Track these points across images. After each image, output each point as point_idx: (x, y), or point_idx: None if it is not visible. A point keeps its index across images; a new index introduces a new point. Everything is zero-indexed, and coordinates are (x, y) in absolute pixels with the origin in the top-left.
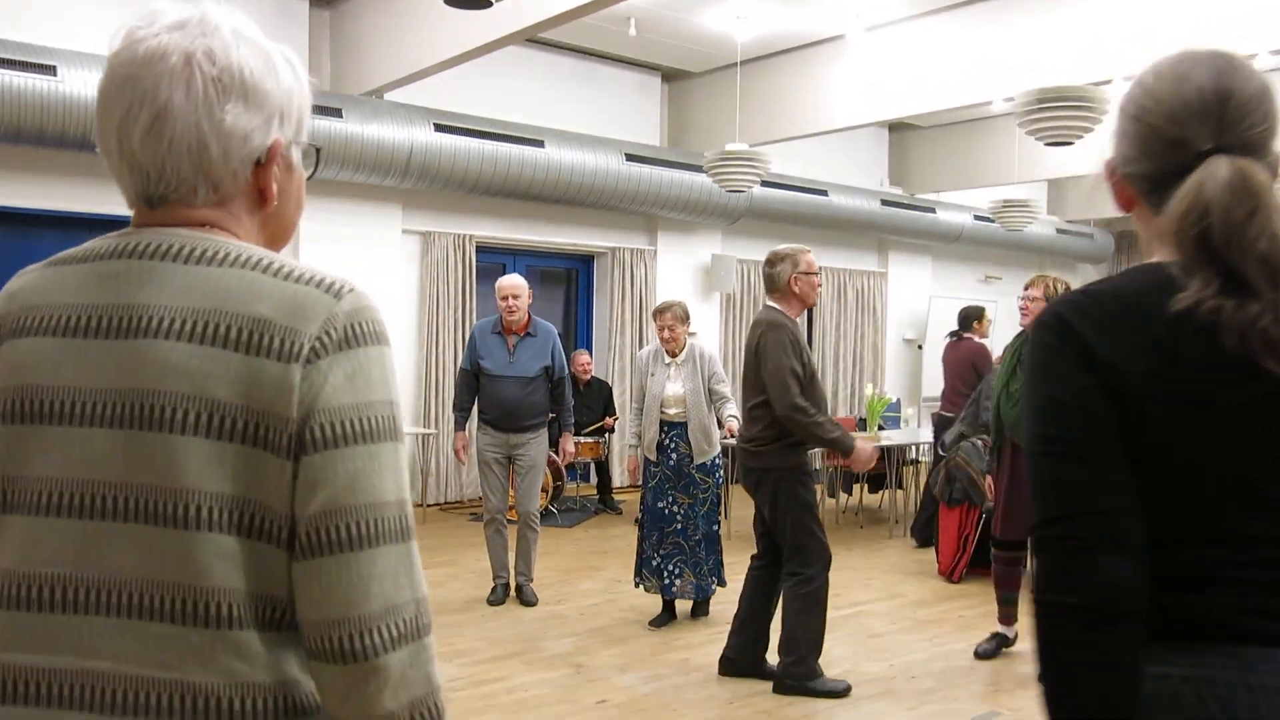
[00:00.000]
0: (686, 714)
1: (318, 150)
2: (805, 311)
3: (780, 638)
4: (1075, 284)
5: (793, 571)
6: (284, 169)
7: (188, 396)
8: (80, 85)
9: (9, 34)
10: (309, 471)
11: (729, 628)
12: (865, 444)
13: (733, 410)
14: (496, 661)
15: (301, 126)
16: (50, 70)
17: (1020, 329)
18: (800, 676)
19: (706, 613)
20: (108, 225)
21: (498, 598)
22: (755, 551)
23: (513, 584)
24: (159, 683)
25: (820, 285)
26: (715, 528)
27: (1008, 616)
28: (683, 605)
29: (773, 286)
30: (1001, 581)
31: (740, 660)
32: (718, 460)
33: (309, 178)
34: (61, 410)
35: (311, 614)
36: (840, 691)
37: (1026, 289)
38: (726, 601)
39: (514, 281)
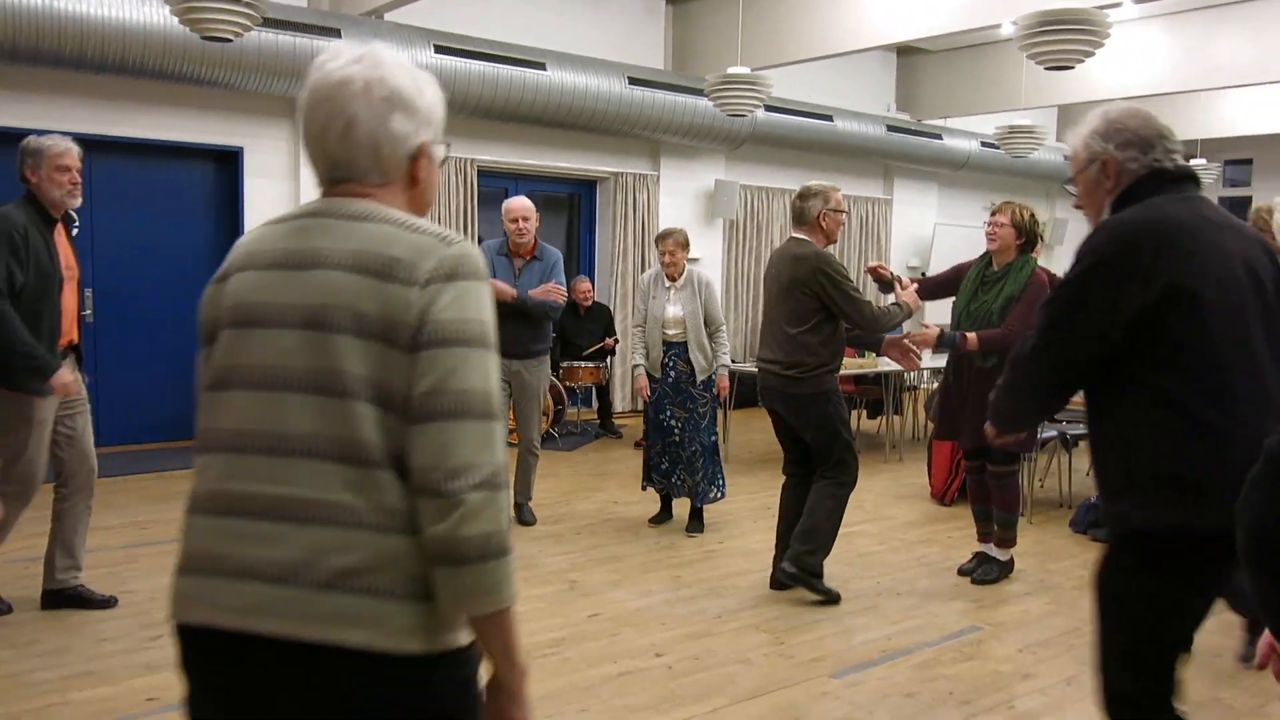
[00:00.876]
0: (676, 627)
1: (448, 146)
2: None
3: (800, 528)
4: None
5: (832, 476)
6: (428, 161)
7: (344, 308)
8: (75, 3)
9: None
10: (421, 363)
11: (723, 545)
12: (907, 295)
13: (725, 345)
14: None
15: (439, 130)
16: None
17: (985, 251)
18: (808, 568)
19: (701, 528)
20: (104, 145)
21: None
22: (783, 469)
23: (510, 506)
24: (325, 503)
25: (843, 223)
26: (713, 439)
27: (983, 533)
28: (680, 514)
29: (802, 219)
30: (971, 494)
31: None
32: (713, 379)
33: (440, 165)
34: (264, 318)
35: (414, 462)
36: (834, 598)
37: (994, 215)
38: (720, 520)
39: (522, 203)
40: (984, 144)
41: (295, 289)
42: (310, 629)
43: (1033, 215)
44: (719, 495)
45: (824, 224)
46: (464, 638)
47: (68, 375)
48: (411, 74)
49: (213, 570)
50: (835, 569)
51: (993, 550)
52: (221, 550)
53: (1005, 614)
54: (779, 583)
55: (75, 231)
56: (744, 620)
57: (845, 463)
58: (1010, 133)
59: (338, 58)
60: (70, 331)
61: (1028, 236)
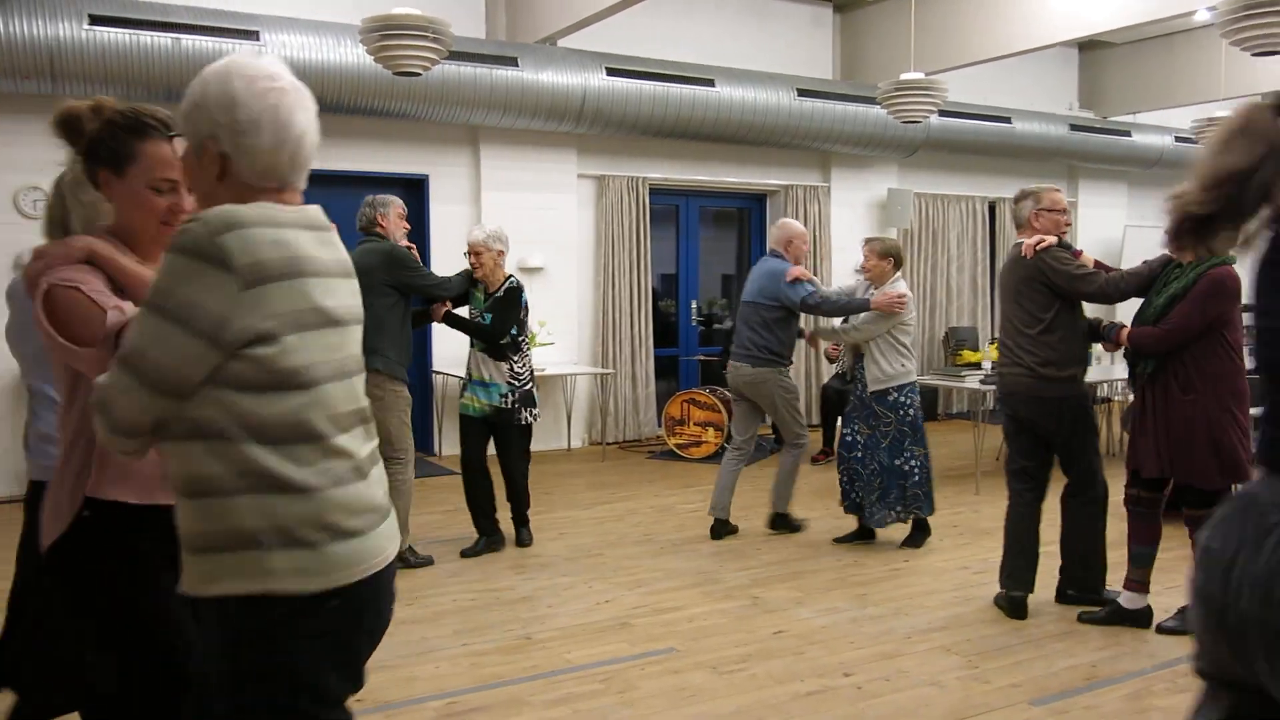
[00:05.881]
0: (864, 646)
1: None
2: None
3: (1072, 554)
4: None
5: (1080, 492)
6: None
7: None
8: (280, 48)
9: (216, 3)
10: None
11: (909, 563)
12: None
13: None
14: (675, 592)
15: None
16: (254, 35)
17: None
18: (1089, 587)
19: (920, 543)
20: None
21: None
22: (1012, 484)
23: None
24: None
25: (1067, 223)
26: (899, 463)
27: (1135, 580)
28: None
29: (1018, 222)
30: (1131, 532)
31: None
32: (902, 399)
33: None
34: None
35: None
36: (1114, 603)
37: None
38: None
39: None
40: (1178, 139)
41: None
42: None
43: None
44: (894, 520)
45: (1036, 224)
46: None
47: None
48: None
49: None
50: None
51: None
52: None
53: None
54: (1011, 602)
55: None
56: (935, 641)
57: (1095, 473)
58: (1209, 125)
59: (274, 64)
60: None
61: None
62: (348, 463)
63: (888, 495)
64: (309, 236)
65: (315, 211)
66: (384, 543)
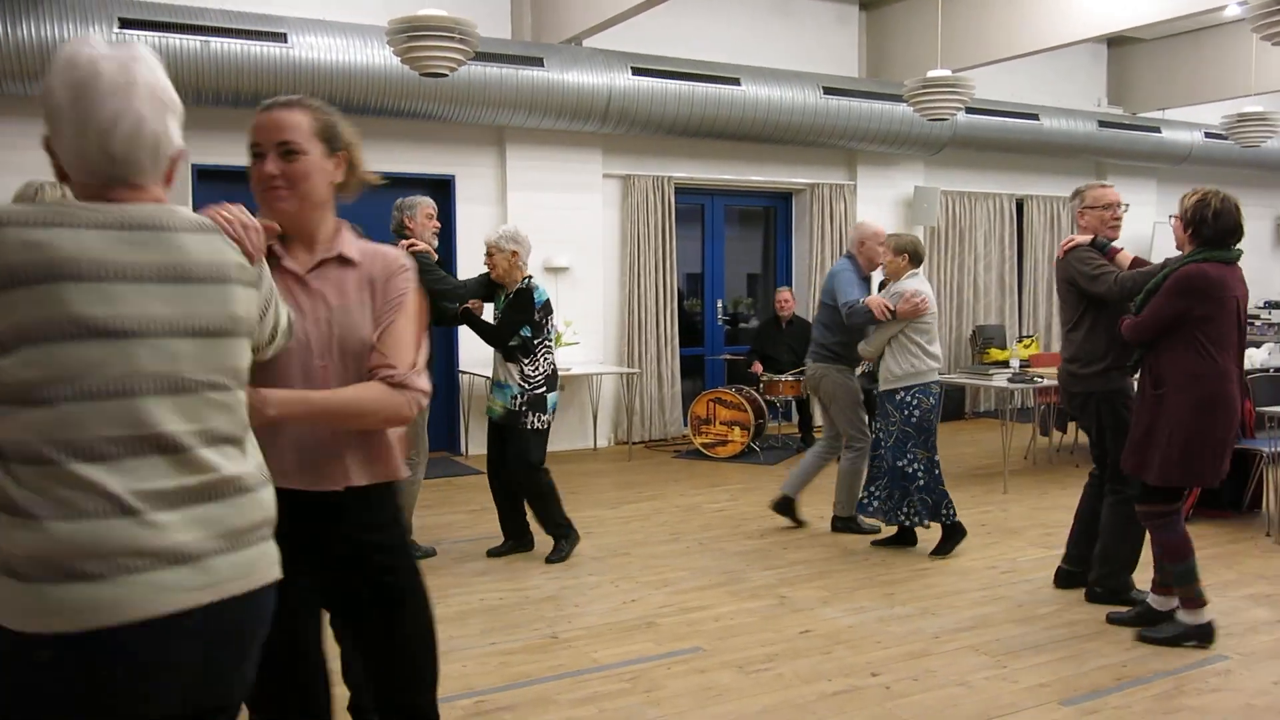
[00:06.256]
0: (891, 646)
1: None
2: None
3: (1097, 550)
4: None
5: (1115, 490)
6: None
7: None
8: (308, 50)
9: (244, 6)
10: None
11: (936, 563)
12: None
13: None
14: (702, 591)
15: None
16: (282, 37)
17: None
18: (1113, 589)
19: (948, 551)
20: None
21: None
22: (1095, 468)
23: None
24: None
25: (1117, 218)
26: (902, 464)
27: (1162, 582)
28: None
29: (1074, 221)
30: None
31: (1078, 574)
32: (909, 399)
33: None
34: None
35: None
36: (1144, 606)
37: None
38: (933, 537)
39: None
40: (1208, 135)
41: None
42: None
43: (1200, 201)
44: (911, 520)
45: (1082, 223)
46: None
47: None
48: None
49: None
50: (1056, 591)
51: (1180, 614)
52: None
53: (1255, 643)
54: (1064, 577)
55: None
56: (962, 641)
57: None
58: (1239, 121)
59: (105, 47)
60: None
61: (1194, 227)
62: (97, 496)
63: (893, 495)
64: (105, 236)
65: (143, 210)
66: (157, 593)
